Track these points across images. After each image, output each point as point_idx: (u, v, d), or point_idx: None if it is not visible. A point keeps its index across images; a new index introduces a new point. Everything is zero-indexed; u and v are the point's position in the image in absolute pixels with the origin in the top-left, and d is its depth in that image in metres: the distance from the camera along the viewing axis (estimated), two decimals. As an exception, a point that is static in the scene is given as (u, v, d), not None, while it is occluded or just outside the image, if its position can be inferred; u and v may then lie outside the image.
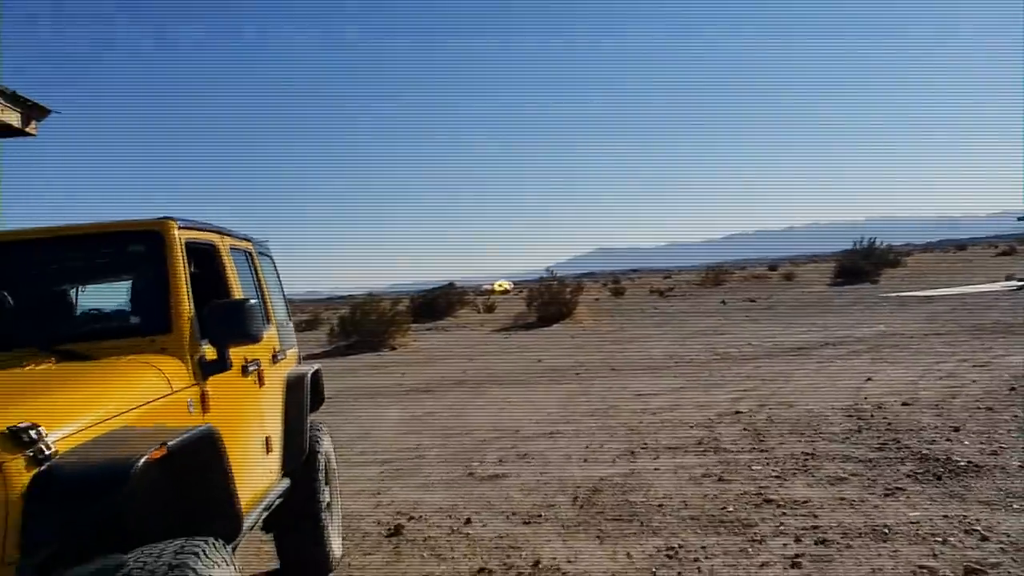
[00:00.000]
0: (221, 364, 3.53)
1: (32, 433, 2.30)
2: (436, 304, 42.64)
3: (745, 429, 8.56)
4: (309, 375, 5.18)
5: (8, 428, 2.28)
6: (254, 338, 3.55)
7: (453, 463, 8.21)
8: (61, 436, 2.44)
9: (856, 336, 17.68)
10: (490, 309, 46.71)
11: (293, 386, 4.99)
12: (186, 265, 3.65)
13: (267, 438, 4.34)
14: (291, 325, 5.86)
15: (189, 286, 3.61)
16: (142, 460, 2.36)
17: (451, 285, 45.00)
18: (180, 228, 3.74)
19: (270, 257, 5.68)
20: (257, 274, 4.96)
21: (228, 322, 3.48)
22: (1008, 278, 32.86)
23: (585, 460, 7.76)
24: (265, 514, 4.25)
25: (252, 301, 3.54)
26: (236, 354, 3.82)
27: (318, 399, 5.63)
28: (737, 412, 9.61)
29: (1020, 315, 18.88)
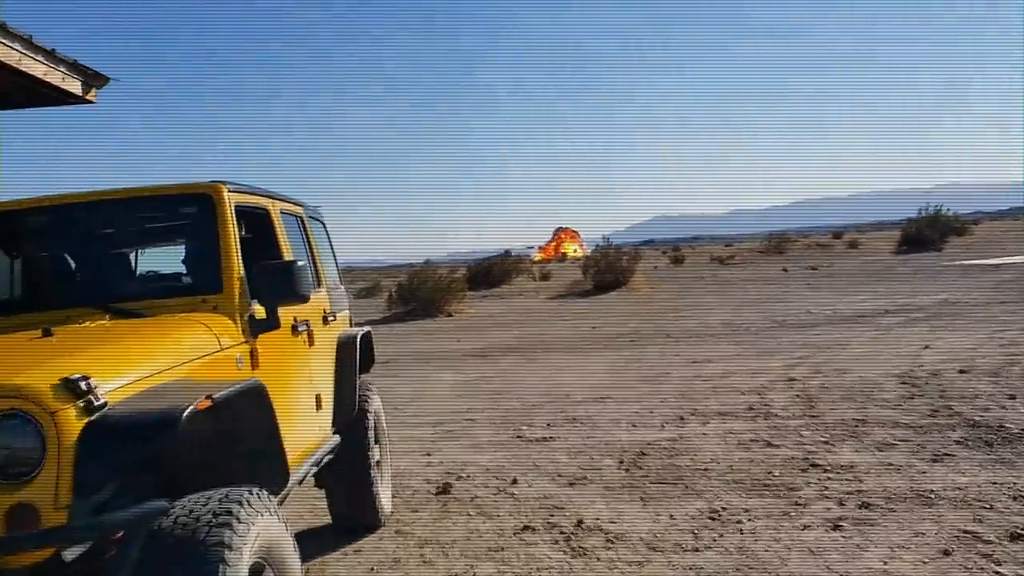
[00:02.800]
0: (270, 323, 3.66)
1: (84, 384, 2.43)
2: (492, 272, 42.89)
3: (797, 396, 8.53)
4: (359, 337, 5.30)
5: (62, 379, 2.42)
6: (302, 298, 3.66)
7: (502, 426, 8.32)
8: (112, 388, 2.57)
9: (917, 304, 17.39)
10: (545, 277, 46.83)
11: (343, 347, 5.12)
12: (236, 227, 3.77)
13: (317, 395, 4.48)
14: (343, 289, 5.99)
15: (239, 247, 3.73)
16: (189, 409, 2.48)
17: (507, 253, 45.23)
18: (230, 191, 3.85)
19: (322, 222, 5.80)
20: (308, 238, 5.08)
21: (277, 282, 3.59)
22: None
23: (633, 425, 7.82)
24: (315, 469, 4.40)
25: (300, 262, 3.65)
26: (286, 314, 3.95)
27: (369, 361, 5.75)
28: (790, 379, 9.57)
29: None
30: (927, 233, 41.41)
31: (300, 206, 5.11)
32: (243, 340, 3.52)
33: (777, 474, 5.74)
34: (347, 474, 5.06)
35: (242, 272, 3.68)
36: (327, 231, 5.89)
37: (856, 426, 6.94)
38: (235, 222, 3.78)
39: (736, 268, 43.04)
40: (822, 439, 6.60)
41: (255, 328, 3.62)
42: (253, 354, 3.55)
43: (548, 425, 8.19)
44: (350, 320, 5.80)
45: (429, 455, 7.30)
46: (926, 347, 11.18)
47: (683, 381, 10.25)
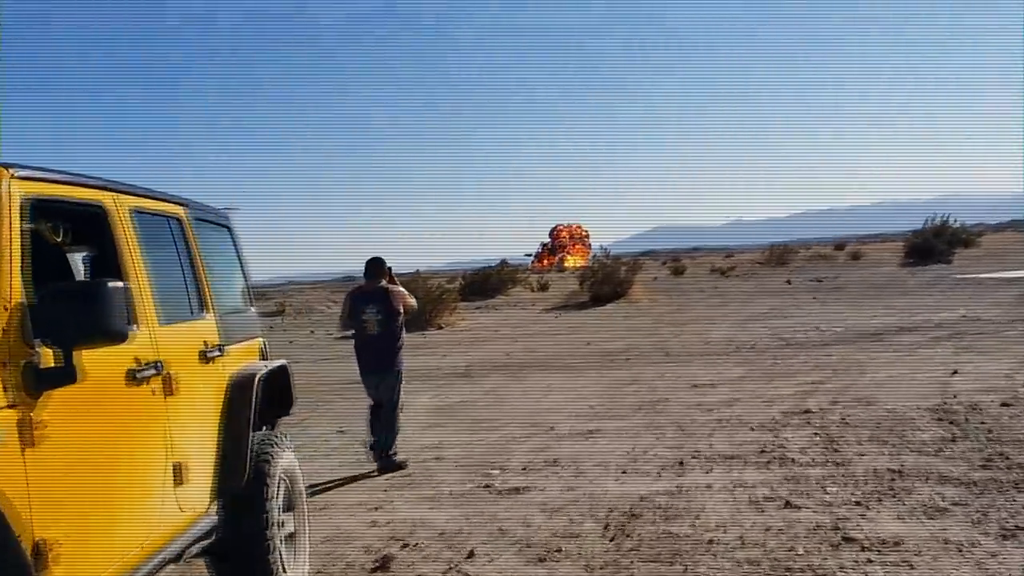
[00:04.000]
0: (61, 373, 2.43)
1: None
2: (488, 282, 41.68)
3: (816, 434, 7.28)
4: (259, 376, 4.03)
5: None
6: (112, 335, 2.46)
7: (471, 469, 7.08)
8: None
9: (935, 321, 16.16)
10: (544, 287, 45.59)
11: (236, 391, 3.89)
12: (20, 231, 2.55)
13: (177, 465, 3.26)
14: (254, 311, 4.77)
15: (21, 260, 2.51)
16: None
17: (503, 263, 43.98)
18: (18, 178, 2.63)
19: (227, 228, 4.59)
20: (190, 248, 3.86)
21: (72, 313, 2.38)
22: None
23: (624, 472, 6.56)
24: (171, 566, 3.18)
25: (111, 284, 2.44)
26: (120, 354, 2.75)
27: (283, 404, 4.53)
28: (806, 411, 8.33)
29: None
30: (934, 244, 40.13)
31: (181, 205, 3.90)
32: (6, 403, 2.30)
33: (801, 552, 4.48)
34: (238, 555, 3.83)
35: (22, 297, 2.46)
36: (235, 239, 4.66)
37: (893, 479, 5.69)
38: (18, 224, 2.56)
39: (738, 280, 41.82)
40: (853, 498, 5.35)
41: (36, 382, 2.40)
42: (26, 425, 2.33)
43: (524, 469, 6.94)
44: (262, 351, 4.57)
45: (378, 509, 6.06)
46: (954, 372, 9.95)
47: (683, 410, 9.02)
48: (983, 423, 7.07)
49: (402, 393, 7.61)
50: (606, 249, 37.35)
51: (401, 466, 7.27)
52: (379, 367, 7.40)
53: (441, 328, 25.11)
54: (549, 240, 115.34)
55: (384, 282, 7.49)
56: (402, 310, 7.48)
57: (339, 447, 8.49)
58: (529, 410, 9.90)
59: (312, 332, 29.09)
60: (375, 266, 7.55)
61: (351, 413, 9.41)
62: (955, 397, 8.34)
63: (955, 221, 44.71)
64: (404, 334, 7.59)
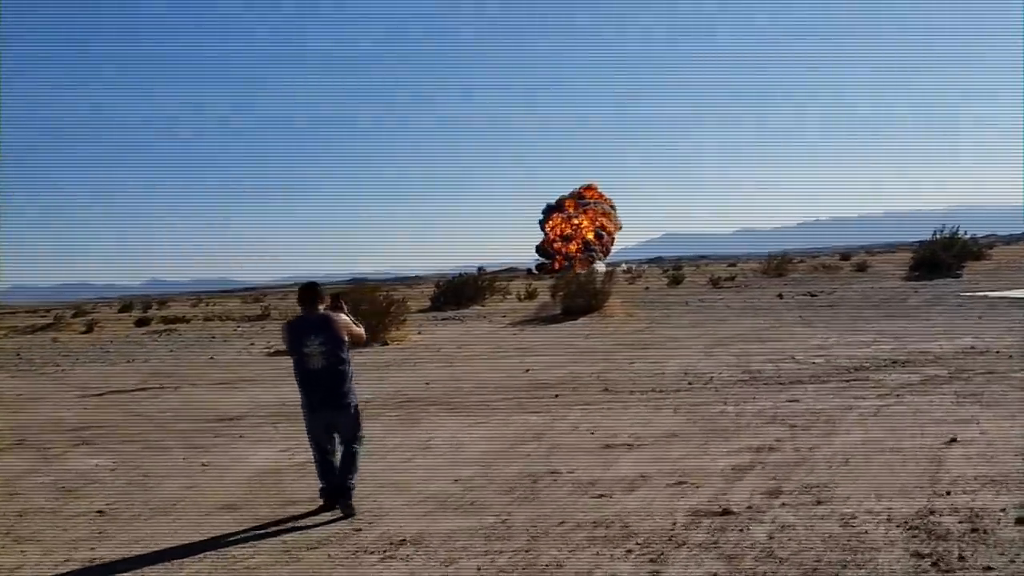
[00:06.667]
0: None
1: None
2: (464, 290, 39.09)
3: (728, 567, 4.62)
4: None
5: None
6: None
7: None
8: None
9: (935, 352, 13.46)
10: (532, 296, 42.97)
11: None
12: None
13: None
14: None
15: None
16: None
17: (480, 270, 41.40)
18: None
19: None
20: None
21: None
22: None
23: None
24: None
25: None
26: None
27: None
28: (724, 512, 5.66)
29: None
30: (942, 257, 37.26)
31: None
32: None
33: None
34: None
35: None
36: None
37: None
38: None
39: (730, 292, 39.04)
40: None
41: None
42: None
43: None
44: None
45: None
46: (952, 440, 7.31)
47: (564, 499, 6.41)
48: (986, 567, 4.38)
49: (362, 426, 6.94)
50: (594, 255, 34.76)
51: (351, 511, 6.53)
52: (330, 404, 6.70)
53: (387, 344, 22.50)
54: (545, 235, 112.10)
55: (323, 308, 6.85)
56: (346, 338, 6.80)
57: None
58: (374, 482, 7.29)
59: (252, 344, 26.54)
60: (310, 292, 6.81)
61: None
62: (948, 495, 5.68)
63: (965, 233, 41.94)
64: (351, 366, 6.86)
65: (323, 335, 6.65)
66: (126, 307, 75.62)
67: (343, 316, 6.91)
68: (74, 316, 61.84)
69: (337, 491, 6.64)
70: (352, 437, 6.79)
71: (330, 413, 6.71)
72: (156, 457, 9.46)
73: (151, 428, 11.48)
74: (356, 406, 6.85)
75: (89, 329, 42.09)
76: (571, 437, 8.83)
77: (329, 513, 6.57)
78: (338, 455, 6.76)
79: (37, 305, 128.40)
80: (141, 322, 47.68)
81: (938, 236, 39.88)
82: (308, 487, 7.29)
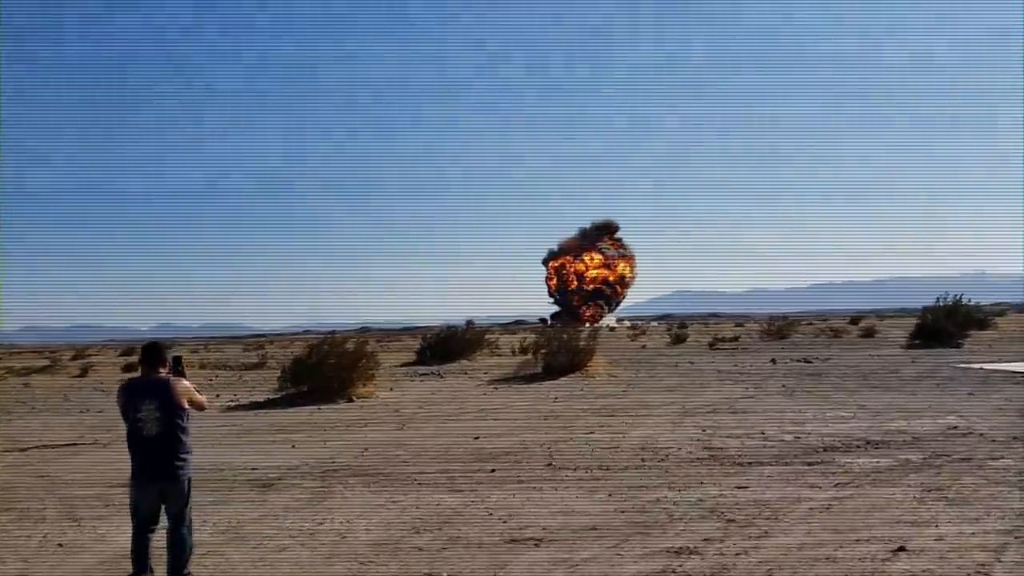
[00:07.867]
0: None
1: None
2: (450, 344, 38.08)
3: None
4: None
5: None
6: None
7: None
8: None
9: (912, 432, 12.40)
10: (525, 351, 41.91)
11: None
12: None
13: None
14: None
15: None
16: None
17: (469, 323, 40.48)
18: None
19: None
20: None
21: None
22: None
23: None
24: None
25: None
26: None
27: None
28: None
29: None
30: (944, 325, 36.12)
31: None
32: None
33: None
34: None
35: None
36: None
37: None
38: None
39: (724, 354, 37.92)
40: None
41: None
42: None
43: None
44: None
45: None
46: (900, 549, 6.26)
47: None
48: None
49: (191, 505, 6.36)
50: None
51: None
52: (159, 475, 6.15)
53: (352, 401, 21.45)
54: (551, 276, 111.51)
55: (164, 372, 6.29)
56: (186, 406, 6.23)
57: None
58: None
59: (217, 396, 25.49)
60: (152, 354, 6.30)
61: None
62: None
63: (970, 300, 40.90)
64: (189, 437, 6.27)
65: (158, 400, 6.11)
66: (127, 351, 74.76)
67: (184, 382, 6.34)
68: (72, 359, 61.07)
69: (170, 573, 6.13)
70: (180, 513, 6.24)
71: (161, 484, 6.17)
72: (18, 532, 8.43)
73: (43, 494, 10.44)
74: (190, 479, 6.32)
75: (84, 373, 41.19)
76: (478, 528, 7.78)
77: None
78: (161, 536, 6.22)
79: (42, 347, 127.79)
80: (128, 368, 46.84)
81: (941, 303, 38.84)
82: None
